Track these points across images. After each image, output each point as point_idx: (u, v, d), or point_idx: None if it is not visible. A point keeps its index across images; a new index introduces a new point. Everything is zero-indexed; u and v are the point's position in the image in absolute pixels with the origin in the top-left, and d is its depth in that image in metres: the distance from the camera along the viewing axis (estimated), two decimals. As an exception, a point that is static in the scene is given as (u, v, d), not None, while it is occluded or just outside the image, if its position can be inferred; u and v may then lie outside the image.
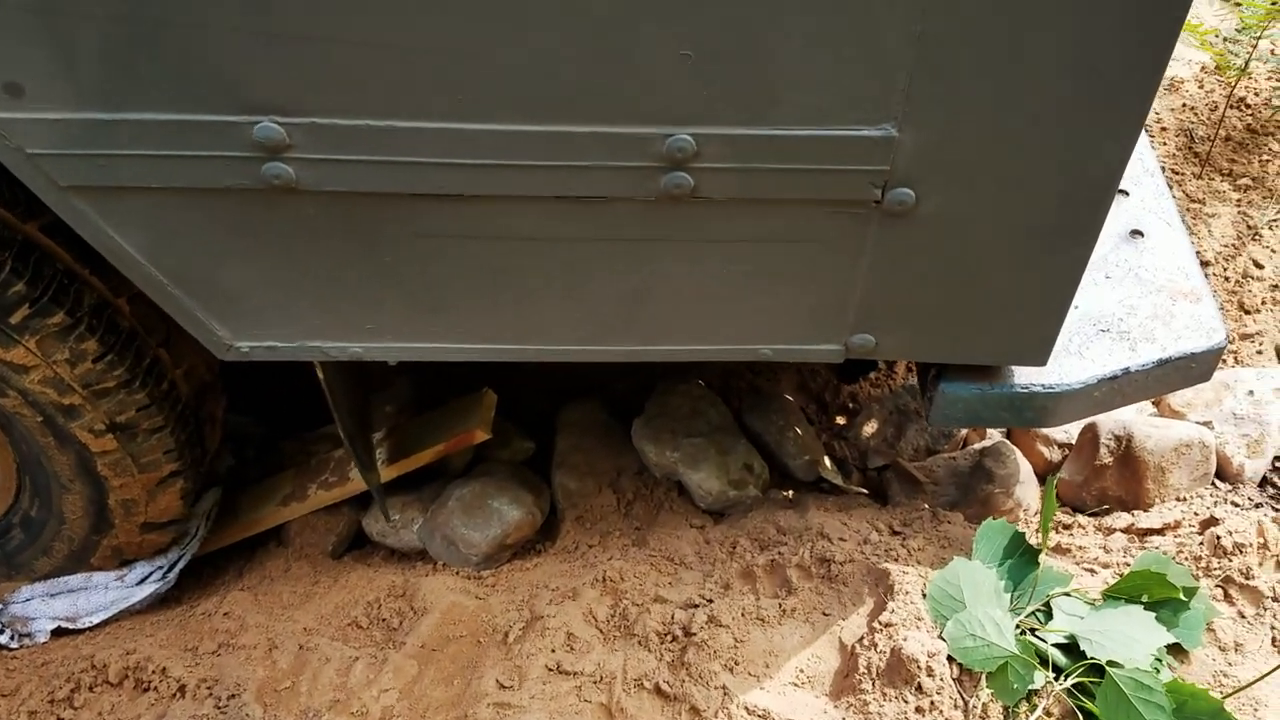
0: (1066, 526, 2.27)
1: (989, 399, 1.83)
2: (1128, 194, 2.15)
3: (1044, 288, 1.63)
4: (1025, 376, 1.83)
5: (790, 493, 2.39)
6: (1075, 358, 1.86)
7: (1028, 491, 2.36)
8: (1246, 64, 3.20)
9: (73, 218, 1.52)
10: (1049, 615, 1.83)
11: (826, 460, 2.48)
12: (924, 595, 1.82)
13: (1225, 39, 3.39)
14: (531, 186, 1.48)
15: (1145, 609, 1.77)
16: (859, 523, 2.08)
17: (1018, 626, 1.78)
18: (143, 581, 2.34)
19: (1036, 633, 1.78)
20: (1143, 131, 2.59)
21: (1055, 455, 2.48)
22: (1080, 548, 2.15)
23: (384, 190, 1.49)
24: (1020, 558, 1.89)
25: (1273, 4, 3.02)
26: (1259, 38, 3.11)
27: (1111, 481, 2.33)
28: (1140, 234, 2.07)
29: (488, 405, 2.36)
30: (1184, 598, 1.79)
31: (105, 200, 1.50)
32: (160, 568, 2.36)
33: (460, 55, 1.33)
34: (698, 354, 1.76)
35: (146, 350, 1.95)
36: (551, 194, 1.50)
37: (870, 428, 2.58)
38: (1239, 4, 3.29)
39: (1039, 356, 1.75)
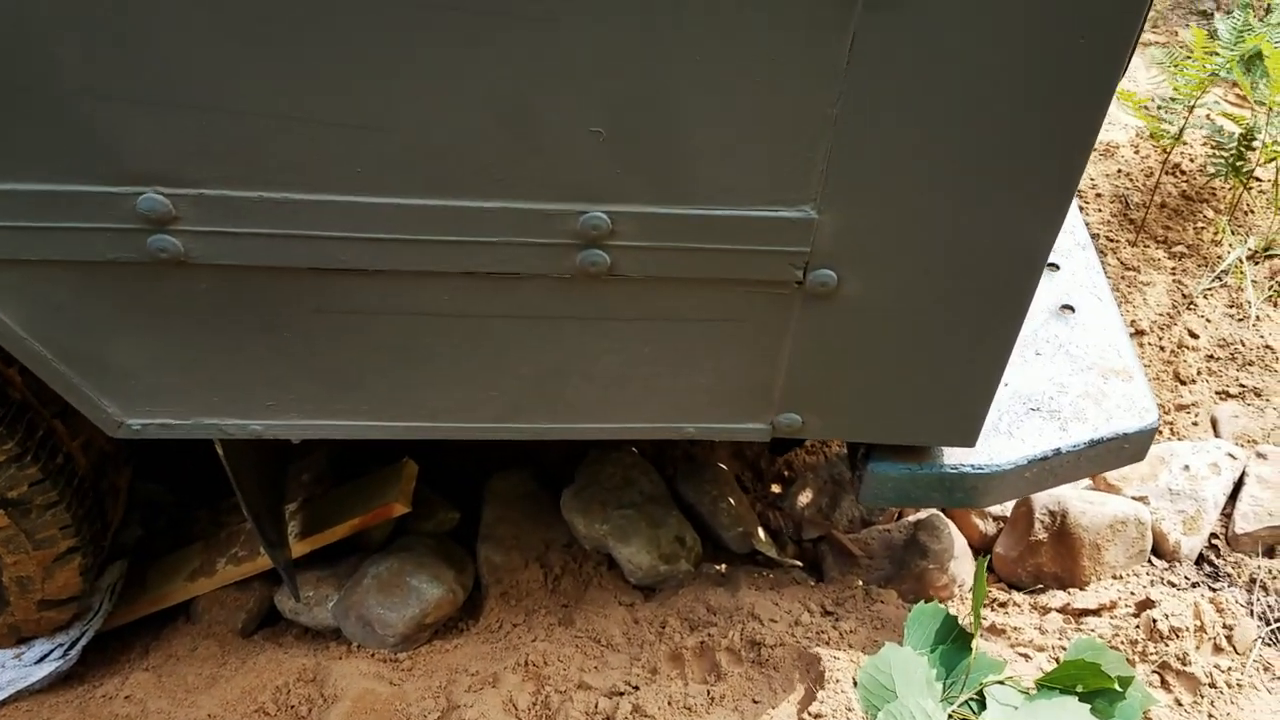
0: (1002, 604, 2.22)
1: (919, 479, 1.77)
2: (1058, 268, 2.13)
3: (970, 369, 1.59)
4: (955, 456, 1.79)
5: (723, 567, 2.31)
6: (1005, 437, 1.82)
7: (962, 566, 2.31)
8: (1180, 132, 3.23)
9: (-57, 290, 1.42)
10: (982, 705, 1.76)
11: (761, 532, 2.41)
12: (855, 684, 1.75)
13: (1160, 105, 3.43)
14: (439, 262, 1.41)
15: (1080, 699, 1.72)
16: (790, 602, 2.01)
17: (950, 716, 1.71)
18: (42, 660, 2.20)
19: (969, 724, 1.72)
20: (1074, 202, 2.59)
21: (990, 529, 2.44)
22: (1015, 628, 2.10)
23: (281, 264, 1.41)
24: (953, 643, 1.83)
25: (1206, 72, 3.06)
26: (1192, 106, 3.15)
27: (1047, 558, 2.28)
28: (1071, 309, 2.04)
29: (408, 476, 2.27)
30: (1119, 688, 1.73)
31: (-21, 273, 1.40)
32: (61, 645, 2.22)
33: (361, 127, 1.27)
34: (619, 432, 1.69)
35: (40, 422, 1.84)
36: (460, 270, 1.43)
37: (805, 497, 2.52)
38: (1175, 69, 3.33)
39: (967, 438, 1.70)
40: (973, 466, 1.78)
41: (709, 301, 1.49)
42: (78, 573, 2.05)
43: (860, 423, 1.68)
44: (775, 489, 2.64)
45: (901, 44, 1.21)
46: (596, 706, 1.81)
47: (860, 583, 2.18)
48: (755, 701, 1.79)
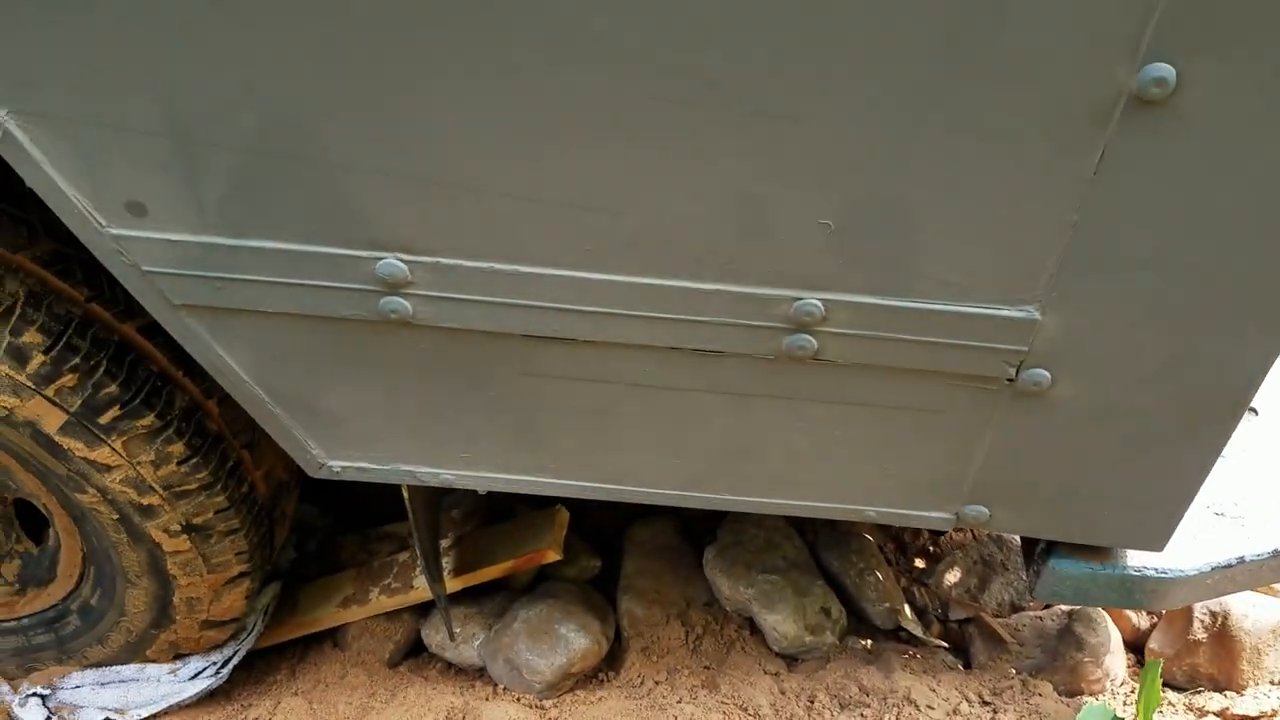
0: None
1: (1099, 579, 1.74)
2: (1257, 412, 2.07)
3: (1172, 477, 1.55)
4: (1138, 559, 1.75)
5: (868, 643, 2.29)
6: (1188, 540, 1.78)
7: (1116, 661, 2.24)
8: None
9: (182, 334, 1.50)
10: (1151, 812, 1.72)
11: (907, 609, 2.38)
12: (1019, 783, 1.71)
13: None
14: (649, 337, 1.44)
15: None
16: (948, 689, 1.98)
17: (1119, 826, 1.67)
18: (196, 676, 2.28)
19: (1139, 834, 1.67)
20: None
21: (1144, 624, 2.37)
22: (1176, 731, 2.04)
23: (499, 329, 1.45)
24: (1121, 747, 1.79)
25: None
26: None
27: (1204, 659, 2.21)
28: (1255, 411, 1.99)
29: (560, 524, 2.30)
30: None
31: (217, 320, 1.47)
32: (214, 663, 2.30)
33: (594, 209, 1.31)
34: (799, 509, 1.69)
35: (230, 453, 1.92)
36: (667, 345, 1.46)
37: (952, 577, 2.49)
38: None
39: (1157, 544, 1.67)
40: (1156, 570, 1.74)
41: (912, 391, 1.49)
42: (244, 596, 2.13)
43: (1050, 520, 1.66)
44: (920, 563, 2.61)
45: (1151, 157, 1.20)
46: (751, 779, 1.80)
47: (1014, 672, 2.14)
48: (912, 790, 1.77)
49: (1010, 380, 1.44)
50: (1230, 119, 1.16)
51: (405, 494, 1.81)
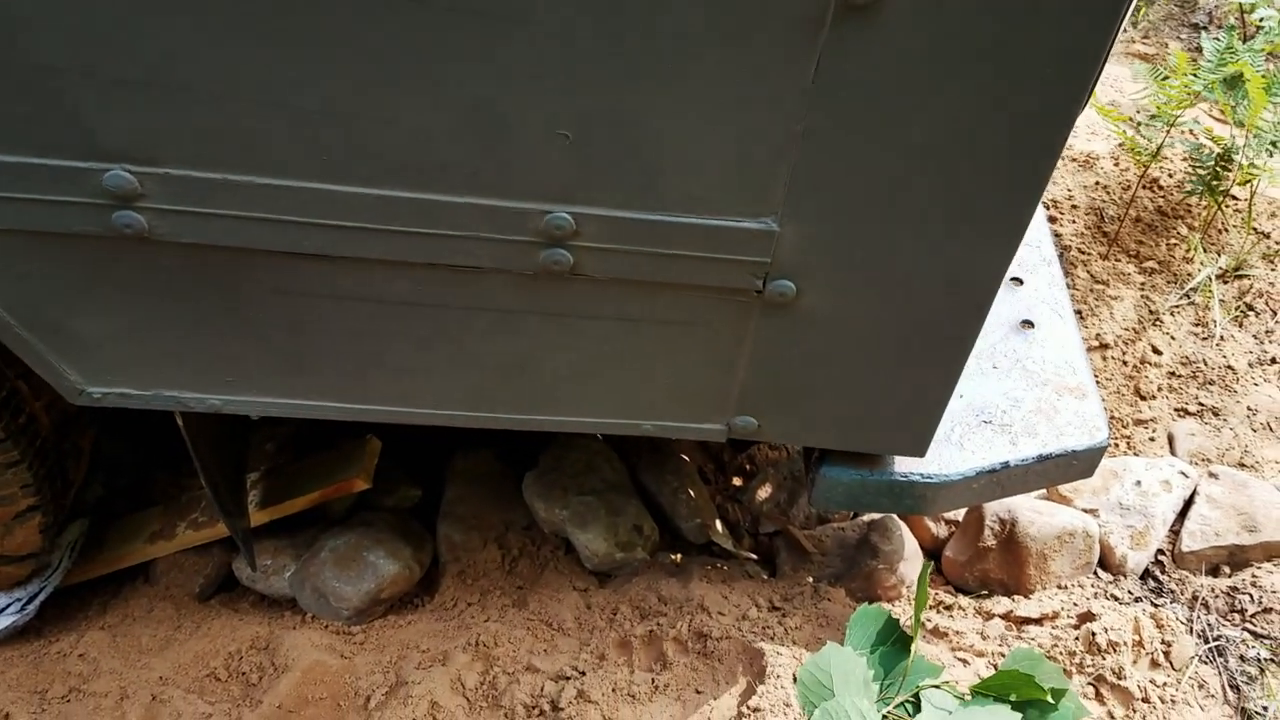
0: (947, 607, 2.26)
1: (869, 485, 1.81)
2: (1022, 283, 2.16)
3: (922, 383, 1.62)
4: (905, 465, 1.82)
5: (678, 557, 2.35)
6: (956, 448, 1.86)
7: (911, 568, 2.35)
8: (1159, 148, 3.25)
9: (-94, 253, 1.42)
10: (917, 708, 1.81)
11: (718, 524, 2.44)
12: (795, 680, 1.79)
13: (1140, 123, 3.45)
14: (403, 252, 1.43)
15: (1013, 708, 1.76)
16: (740, 596, 2.05)
17: (884, 718, 1.75)
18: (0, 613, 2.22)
19: (903, 726, 1.76)
20: (1042, 216, 2.62)
21: (942, 532, 2.48)
22: (958, 632, 2.14)
23: (244, 245, 1.42)
24: (893, 645, 1.87)
25: (1188, 91, 3.08)
26: (1172, 123, 3.17)
27: (994, 564, 2.33)
28: (1031, 324, 2.07)
29: (371, 453, 2.29)
30: (1051, 700, 1.78)
31: (-55, 237, 1.41)
32: (19, 600, 2.24)
33: (330, 116, 1.28)
34: (579, 425, 1.71)
35: (2, 383, 1.84)
36: (423, 261, 1.44)
37: (764, 492, 2.56)
38: (1159, 84, 3.35)
39: (917, 448, 1.73)
40: (921, 476, 1.81)
41: (669, 305, 1.51)
42: (37, 530, 2.07)
43: (813, 429, 1.71)
44: (736, 482, 2.67)
45: (865, 66, 1.23)
46: (542, 689, 1.84)
47: (810, 579, 2.22)
48: (698, 692, 1.83)
49: (759, 292, 1.47)
50: (939, 21, 1.18)
51: (179, 422, 1.77)
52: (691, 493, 2.44)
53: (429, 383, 1.64)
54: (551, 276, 1.46)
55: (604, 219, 1.38)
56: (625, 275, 1.45)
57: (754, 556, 2.43)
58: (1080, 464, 1.92)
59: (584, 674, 1.87)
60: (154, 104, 1.26)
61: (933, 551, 2.47)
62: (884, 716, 1.74)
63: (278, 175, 1.34)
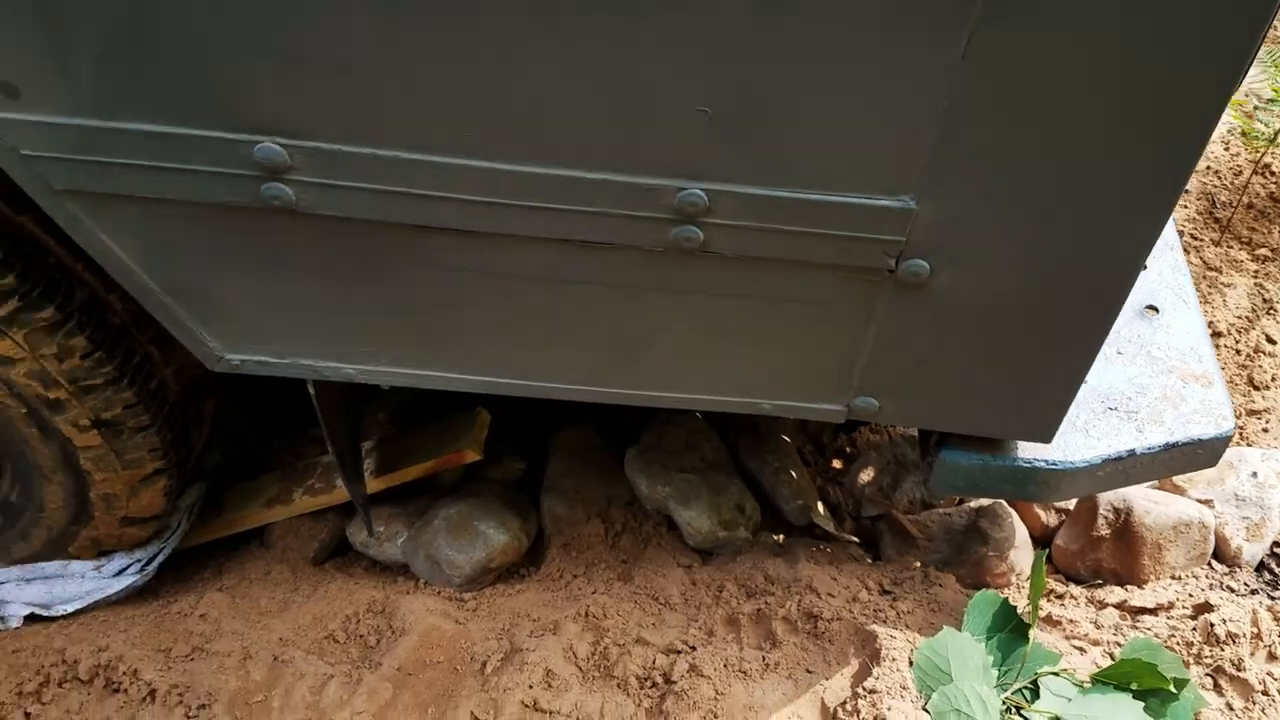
0: (1059, 596, 2.23)
1: (991, 470, 1.78)
2: (1146, 268, 2.10)
3: (1054, 369, 1.59)
4: (1029, 451, 1.79)
5: (780, 537, 2.35)
6: (1081, 435, 1.82)
7: (1022, 556, 2.32)
8: (1276, 135, 3.14)
9: (66, 221, 1.48)
10: (1035, 694, 1.79)
11: (820, 506, 2.44)
12: (910, 663, 1.78)
13: (1257, 107, 3.33)
14: (537, 228, 1.44)
15: (1134, 697, 1.73)
16: (849, 578, 2.04)
17: (1004, 703, 1.74)
18: (120, 573, 2.31)
19: (1022, 712, 1.74)
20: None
21: (1052, 520, 2.44)
22: (1071, 620, 2.11)
23: (386, 219, 1.45)
24: (1010, 632, 1.86)
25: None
26: (1293, 105, 3.06)
27: (1107, 554, 2.28)
28: (1155, 310, 2.02)
29: (481, 425, 2.32)
30: (1173, 689, 1.75)
31: (99, 206, 1.46)
32: (139, 560, 2.33)
33: (474, 92, 1.30)
34: (696, 403, 1.72)
35: (137, 348, 1.91)
36: (556, 236, 1.46)
37: (866, 475, 2.54)
38: (1276, 69, 3.23)
39: (1044, 434, 1.71)
40: (1046, 462, 1.78)
41: (796, 283, 1.50)
42: (161, 493, 2.15)
43: (937, 412, 1.69)
44: (836, 464, 2.66)
45: (1015, 46, 1.20)
46: (654, 662, 1.86)
47: (918, 564, 2.20)
48: (809, 671, 1.83)
49: (891, 271, 1.46)
50: (1091, 3, 1.16)
51: (311, 390, 1.82)
52: (794, 474, 2.43)
53: (554, 358, 1.66)
54: (680, 253, 1.47)
55: (737, 195, 1.38)
56: (754, 253, 1.45)
57: (856, 539, 2.42)
58: (1205, 453, 1.87)
59: (694, 649, 1.88)
60: (307, 79, 1.29)
61: (1041, 540, 2.44)
62: (1003, 702, 1.73)
63: (421, 151, 1.36)
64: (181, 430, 2.12)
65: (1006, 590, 2.29)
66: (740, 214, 1.40)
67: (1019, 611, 1.87)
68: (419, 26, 1.23)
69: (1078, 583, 2.31)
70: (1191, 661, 1.95)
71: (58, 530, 2.18)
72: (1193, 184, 3.28)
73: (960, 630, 1.81)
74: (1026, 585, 2.34)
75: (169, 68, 1.29)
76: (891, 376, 1.63)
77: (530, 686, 1.84)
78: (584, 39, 1.23)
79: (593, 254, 1.48)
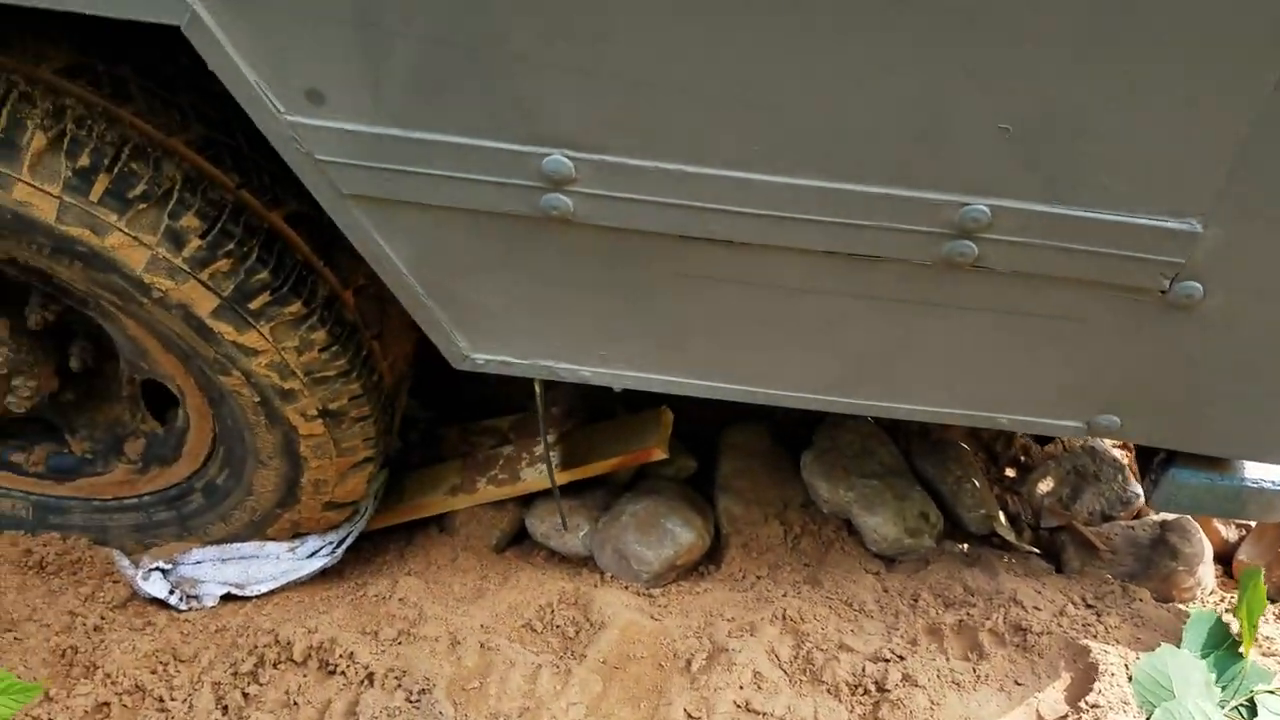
0: (1252, 615, 2.21)
1: (1216, 490, 1.78)
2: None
3: (1312, 393, 1.58)
4: (1257, 471, 1.78)
5: (964, 546, 2.35)
6: (1305, 455, 1.80)
7: (1207, 571, 2.30)
8: None
9: (347, 224, 1.53)
10: (1253, 712, 1.78)
11: (1001, 516, 2.44)
12: (1129, 679, 1.78)
13: None
14: (808, 240, 1.47)
15: (1358, 723, 1.72)
16: (1054, 592, 2.04)
17: (1223, 723, 1.74)
18: (313, 555, 2.39)
19: (1243, 732, 1.74)
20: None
21: (1232, 535, 2.41)
22: (1267, 638, 2.09)
23: (658, 230, 1.48)
24: (1226, 650, 1.85)
25: None
26: None
27: (1299, 572, 2.26)
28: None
29: (665, 424, 2.36)
30: (1404, 718, 1.73)
31: (382, 211, 1.51)
32: (330, 543, 2.40)
33: (766, 108, 1.32)
34: (934, 415, 1.73)
35: (364, 343, 1.97)
36: (823, 248, 1.48)
37: (1045, 486, 2.53)
38: None
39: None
40: (1273, 483, 1.77)
41: (1060, 299, 1.51)
42: (365, 479, 2.21)
43: (1179, 431, 1.69)
44: (1010, 474, 2.65)
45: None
46: (863, 669, 1.88)
47: (1113, 579, 2.19)
48: (1019, 684, 1.84)
49: (1163, 292, 1.46)
50: None
51: (538, 389, 1.86)
52: (975, 482, 2.43)
53: (794, 365, 1.69)
54: (949, 267, 1.48)
55: (1020, 212, 1.39)
56: (1027, 269, 1.46)
57: (1036, 550, 2.42)
58: None
59: (903, 658, 1.90)
60: (603, 94, 1.33)
61: (1221, 555, 2.41)
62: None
63: (704, 164, 1.39)
64: (389, 420, 2.18)
65: (1192, 605, 2.27)
66: (1020, 231, 1.40)
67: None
68: (714, 42, 1.26)
69: (1270, 600, 2.29)
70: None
71: (261, 513, 2.26)
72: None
73: (1178, 647, 1.81)
74: (1210, 600, 2.32)
75: (477, 83, 1.33)
76: (1139, 395, 1.63)
77: (740, 687, 1.88)
78: (892, 59, 1.25)
79: (855, 266, 1.50)
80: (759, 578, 2.25)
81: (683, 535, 2.26)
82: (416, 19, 1.27)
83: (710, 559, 2.40)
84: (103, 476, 2.31)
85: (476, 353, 1.74)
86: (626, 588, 2.25)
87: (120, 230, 1.63)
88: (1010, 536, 2.38)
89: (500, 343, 1.72)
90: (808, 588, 2.18)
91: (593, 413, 2.56)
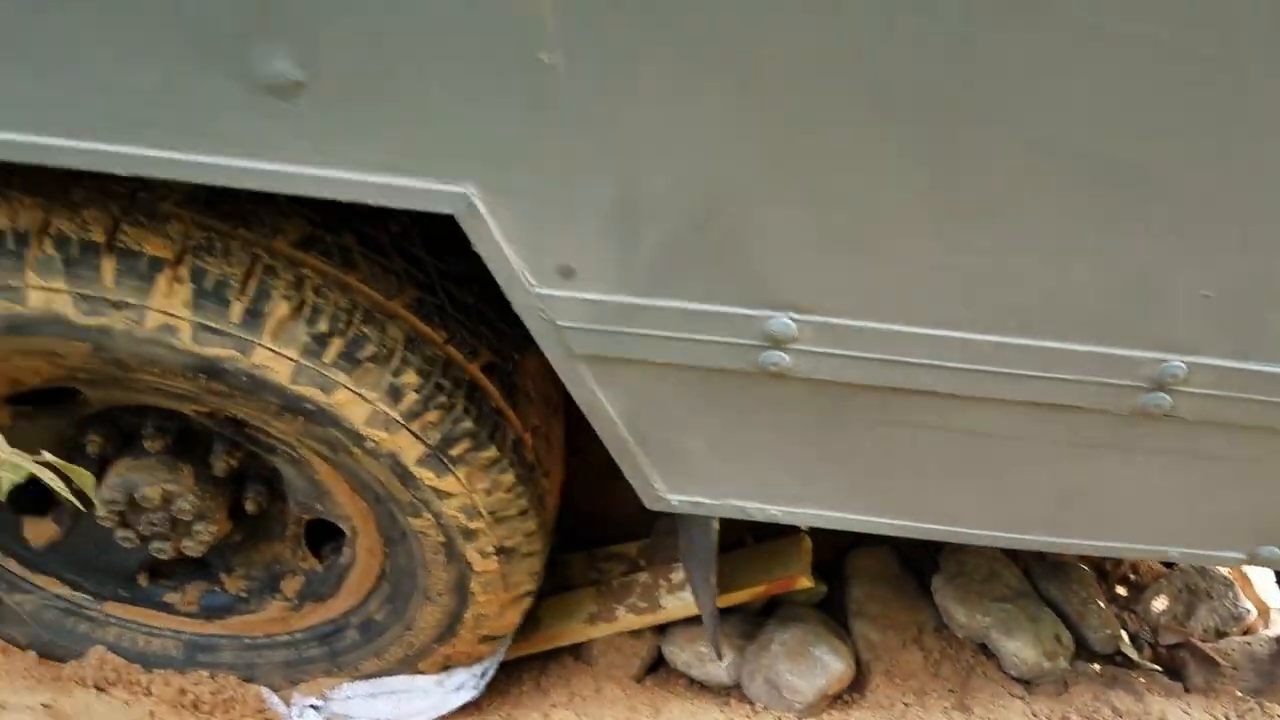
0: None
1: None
2: None
3: None
4: None
5: (1097, 667, 2.42)
6: None
7: (1334, 687, 2.36)
8: None
9: (571, 378, 1.64)
10: None
11: (1124, 635, 2.50)
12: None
13: None
14: (1008, 392, 1.57)
15: None
16: (1199, 711, 2.10)
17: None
18: (460, 688, 2.43)
19: None
20: None
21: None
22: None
23: (867, 382, 1.59)
24: (1387, 773, 1.91)
25: None
26: None
27: None
28: None
29: (806, 550, 2.43)
30: None
31: (606, 368, 1.62)
32: (476, 675, 2.44)
33: (992, 278, 1.44)
34: (1106, 550, 1.82)
35: (539, 481, 2.07)
36: (1024, 399, 1.59)
37: (1160, 604, 2.61)
38: None
39: None
40: None
41: (1243, 442, 1.62)
42: (522, 612, 2.28)
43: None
44: (1121, 591, 2.73)
45: None
46: (1036, 796, 1.93)
47: (1242, 695, 2.25)
48: (1186, 808, 1.89)
49: (1335, 436, 1.57)
50: None
51: (714, 525, 1.95)
52: (1100, 603, 2.51)
53: (979, 505, 1.78)
54: (1141, 416, 1.59)
55: (1215, 368, 1.50)
56: (1215, 419, 1.57)
57: (1159, 669, 2.48)
58: None
59: (1071, 783, 1.95)
60: (833, 261, 1.45)
61: (1343, 671, 2.48)
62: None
63: (921, 325, 1.51)
64: (550, 553, 2.26)
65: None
66: (1214, 385, 1.52)
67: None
68: (942, 215, 1.39)
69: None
70: None
71: (418, 648, 2.31)
72: None
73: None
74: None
75: (716, 256, 1.45)
76: (1303, 528, 1.73)
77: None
78: (1115, 234, 1.38)
79: (1053, 414, 1.61)
80: (907, 705, 2.31)
81: (833, 664, 2.32)
82: (670, 207, 1.40)
83: (852, 687, 2.45)
84: (256, 614, 2.36)
85: (672, 494, 1.83)
86: (779, 718, 2.29)
87: (347, 388, 1.74)
88: (1134, 655, 2.45)
89: (696, 484, 1.81)
90: (957, 714, 2.23)
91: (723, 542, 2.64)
